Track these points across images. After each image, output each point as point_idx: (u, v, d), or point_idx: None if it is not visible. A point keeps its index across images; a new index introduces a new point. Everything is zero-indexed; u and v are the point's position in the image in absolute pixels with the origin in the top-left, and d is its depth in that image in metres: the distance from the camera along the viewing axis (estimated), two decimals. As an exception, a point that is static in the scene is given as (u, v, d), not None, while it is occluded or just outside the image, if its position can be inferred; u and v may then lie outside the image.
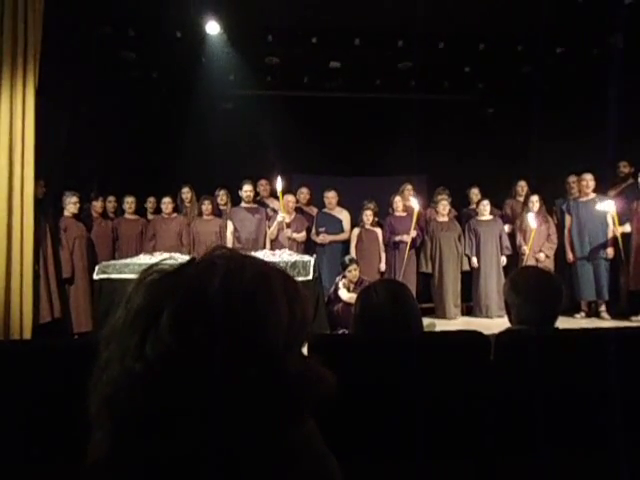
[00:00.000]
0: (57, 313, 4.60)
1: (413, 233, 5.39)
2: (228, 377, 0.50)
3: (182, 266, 0.56)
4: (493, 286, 5.46)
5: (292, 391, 0.53)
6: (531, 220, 5.14)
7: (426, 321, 4.96)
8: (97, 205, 5.54)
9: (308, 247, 5.56)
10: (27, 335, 3.92)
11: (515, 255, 5.61)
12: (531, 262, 5.25)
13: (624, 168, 5.57)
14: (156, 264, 0.57)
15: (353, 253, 5.44)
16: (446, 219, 5.74)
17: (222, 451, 0.50)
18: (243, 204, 5.64)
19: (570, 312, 5.25)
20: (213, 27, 5.98)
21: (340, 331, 4.40)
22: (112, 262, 4.68)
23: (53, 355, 1.53)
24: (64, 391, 1.04)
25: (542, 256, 5.44)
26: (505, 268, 5.50)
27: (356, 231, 5.64)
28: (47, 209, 4.72)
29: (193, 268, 0.56)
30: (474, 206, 6.01)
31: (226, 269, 0.54)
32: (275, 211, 5.64)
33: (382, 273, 5.60)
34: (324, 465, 0.58)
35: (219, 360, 0.50)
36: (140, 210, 5.83)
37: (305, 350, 0.62)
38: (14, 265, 3.95)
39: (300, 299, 0.58)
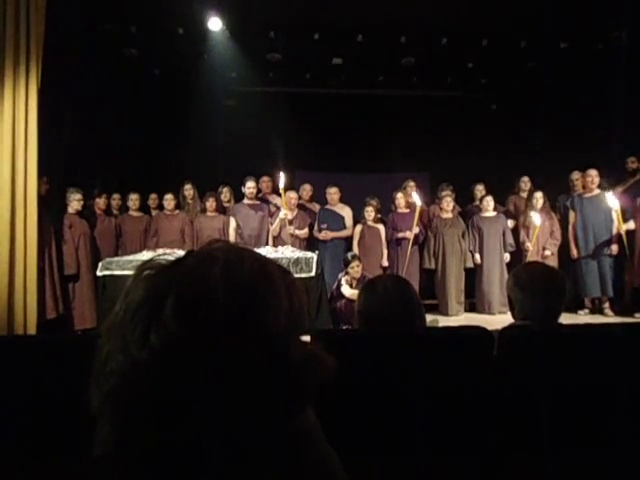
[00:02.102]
0: (61, 309, 4.62)
1: (415, 230, 5.38)
2: (232, 361, 0.50)
3: (181, 259, 0.57)
4: (496, 282, 5.45)
5: (294, 374, 0.54)
6: (536, 218, 5.13)
7: (429, 318, 4.95)
8: (100, 202, 5.55)
9: (311, 243, 5.56)
10: (31, 331, 3.94)
11: (518, 251, 5.60)
12: (535, 259, 5.23)
13: (632, 164, 5.54)
14: (152, 259, 0.57)
15: (355, 250, 5.44)
16: (450, 215, 5.71)
17: (225, 438, 0.51)
18: (246, 201, 5.63)
19: (573, 309, 5.24)
20: (215, 23, 5.97)
21: (343, 327, 4.41)
22: (115, 259, 4.69)
23: (57, 350, 1.53)
24: (68, 386, 1.04)
25: (548, 253, 5.43)
26: (508, 265, 5.49)
27: (358, 228, 5.64)
28: (51, 206, 4.74)
29: (192, 259, 0.56)
30: (478, 202, 5.99)
31: (225, 259, 0.55)
32: (278, 208, 5.63)
33: (384, 269, 5.60)
34: (326, 460, 0.59)
35: (223, 345, 0.50)
36: (144, 207, 5.85)
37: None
38: (18, 262, 3.97)
39: (297, 288, 0.59)
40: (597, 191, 5.35)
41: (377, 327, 1.60)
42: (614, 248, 5.16)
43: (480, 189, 6.06)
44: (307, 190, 6.03)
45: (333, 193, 5.75)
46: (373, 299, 1.63)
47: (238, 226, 5.54)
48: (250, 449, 0.52)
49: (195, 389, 0.49)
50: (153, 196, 5.96)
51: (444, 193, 5.80)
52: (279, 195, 5.39)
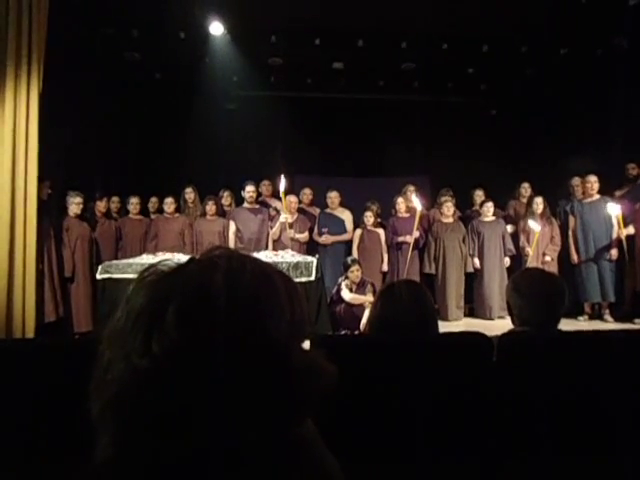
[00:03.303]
0: (61, 312, 4.62)
1: (415, 234, 5.38)
2: (233, 369, 0.50)
3: (182, 265, 0.57)
4: (495, 287, 5.45)
5: (296, 381, 0.54)
6: (534, 225, 5.14)
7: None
8: (100, 205, 5.56)
9: (311, 247, 5.56)
10: (30, 334, 3.93)
11: (518, 257, 5.60)
12: (535, 265, 5.23)
13: (632, 170, 5.56)
14: (153, 265, 0.57)
15: (355, 254, 5.44)
16: (451, 220, 5.72)
17: (226, 445, 0.51)
18: (246, 204, 5.64)
19: (573, 315, 5.23)
20: (217, 28, 5.99)
21: (342, 332, 4.40)
22: (115, 262, 4.69)
23: (56, 354, 1.53)
24: (66, 390, 1.04)
25: (548, 259, 5.43)
26: (508, 270, 5.49)
27: (358, 232, 5.65)
28: (50, 209, 4.74)
29: (194, 266, 0.56)
30: (477, 207, 6.00)
31: (227, 266, 0.55)
32: (278, 211, 5.64)
33: (384, 274, 5.60)
34: (325, 467, 0.59)
35: (224, 353, 0.50)
36: (144, 210, 5.86)
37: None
38: (17, 264, 3.97)
39: (298, 296, 0.59)
40: (597, 196, 5.36)
41: (394, 333, 1.59)
42: (614, 253, 5.17)
43: (480, 194, 6.07)
44: (307, 194, 6.04)
45: (333, 197, 5.76)
46: (390, 305, 1.63)
47: (238, 230, 5.54)
48: (251, 457, 0.52)
49: (196, 397, 0.49)
50: (153, 200, 5.96)
51: (444, 198, 5.80)
52: (279, 199, 5.40)
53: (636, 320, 4.88)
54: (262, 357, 0.52)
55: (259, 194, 5.89)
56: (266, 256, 4.54)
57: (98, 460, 0.52)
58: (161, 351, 0.49)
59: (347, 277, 4.63)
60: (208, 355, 0.50)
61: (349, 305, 4.52)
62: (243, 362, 0.51)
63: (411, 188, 5.98)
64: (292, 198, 5.61)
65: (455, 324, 5.28)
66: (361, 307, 4.46)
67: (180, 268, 0.56)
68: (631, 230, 5.08)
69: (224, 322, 0.51)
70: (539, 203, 5.50)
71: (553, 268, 5.29)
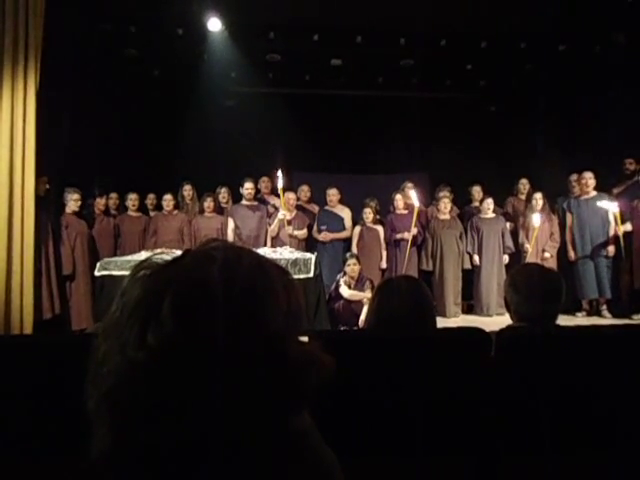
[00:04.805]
0: (58, 309, 4.61)
1: (414, 230, 5.38)
2: (230, 361, 0.50)
3: (178, 258, 0.57)
4: (494, 284, 5.45)
5: (293, 374, 0.54)
6: (535, 219, 5.14)
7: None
8: (100, 202, 5.55)
9: (309, 245, 5.56)
10: (28, 331, 3.93)
11: (517, 254, 5.60)
12: (534, 261, 5.24)
13: (630, 165, 5.56)
14: (149, 258, 0.57)
15: (354, 251, 5.44)
16: (448, 217, 5.72)
17: (223, 438, 0.50)
18: (244, 201, 5.63)
19: (571, 311, 5.24)
20: (215, 24, 5.97)
21: (341, 328, 4.40)
22: (113, 259, 4.68)
23: (54, 350, 1.53)
24: (64, 386, 1.04)
25: (548, 255, 5.44)
26: (507, 266, 5.49)
27: (357, 229, 5.65)
28: (49, 206, 4.73)
29: (190, 258, 0.56)
30: (476, 204, 6.00)
31: (223, 258, 0.55)
32: (276, 208, 5.63)
33: (383, 271, 5.60)
34: (323, 460, 0.59)
35: (221, 345, 0.50)
36: (143, 207, 5.85)
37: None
38: (15, 261, 3.96)
39: (295, 288, 0.59)
40: (593, 193, 5.37)
41: (392, 328, 1.59)
42: (610, 249, 5.18)
43: (478, 190, 6.07)
44: (305, 191, 6.04)
45: (333, 194, 5.75)
46: (388, 300, 1.63)
47: (236, 227, 5.53)
48: (248, 449, 0.52)
49: (193, 389, 0.49)
50: (151, 196, 5.95)
51: (441, 194, 5.80)
52: (278, 196, 5.39)
53: (634, 316, 4.89)
54: (259, 348, 0.52)
55: (257, 191, 5.88)
56: (264, 253, 4.54)
57: (94, 453, 0.52)
58: (157, 343, 0.49)
59: (345, 273, 4.63)
60: (205, 347, 0.50)
61: (348, 302, 4.52)
62: (240, 353, 0.51)
63: (409, 185, 5.97)
64: (290, 195, 5.59)
65: (453, 321, 5.29)
66: (359, 303, 4.46)
67: (176, 261, 0.56)
68: (628, 227, 5.08)
69: (221, 314, 0.51)
70: (538, 199, 5.50)
71: (552, 264, 5.29)
